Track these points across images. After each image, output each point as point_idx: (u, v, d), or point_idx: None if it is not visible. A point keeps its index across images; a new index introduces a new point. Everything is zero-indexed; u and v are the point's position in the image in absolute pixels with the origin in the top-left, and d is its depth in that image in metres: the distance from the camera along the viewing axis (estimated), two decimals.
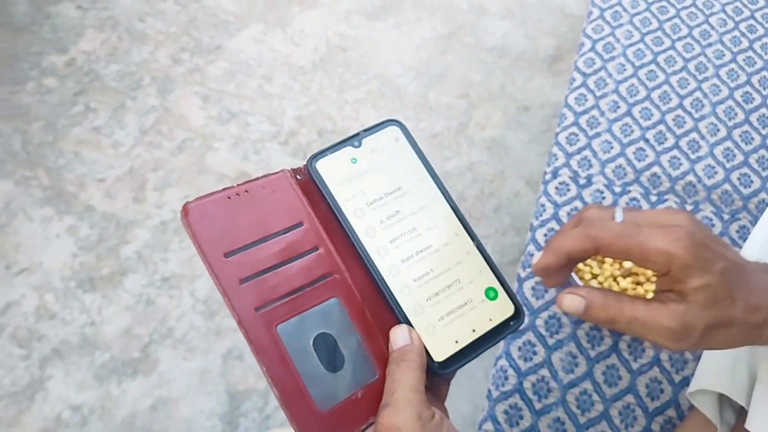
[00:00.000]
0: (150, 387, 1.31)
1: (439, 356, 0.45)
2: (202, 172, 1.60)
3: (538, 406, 0.71)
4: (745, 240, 0.83)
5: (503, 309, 0.48)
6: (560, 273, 0.46)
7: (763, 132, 0.94)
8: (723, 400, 0.65)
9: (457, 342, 0.46)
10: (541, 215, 0.85)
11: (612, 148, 0.92)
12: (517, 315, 0.48)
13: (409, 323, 0.45)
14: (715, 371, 0.64)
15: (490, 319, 0.47)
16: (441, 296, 0.47)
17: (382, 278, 0.46)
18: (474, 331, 0.46)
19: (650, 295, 0.76)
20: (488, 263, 0.49)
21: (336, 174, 0.49)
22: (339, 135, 1.68)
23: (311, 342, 0.43)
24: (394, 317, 0.46)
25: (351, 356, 0.44)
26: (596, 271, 0.78)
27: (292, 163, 1.62)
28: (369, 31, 1.91)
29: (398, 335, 0.44)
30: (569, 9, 1.98)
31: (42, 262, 1.45)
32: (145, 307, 1.40)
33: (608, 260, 0.79)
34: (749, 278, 0.44)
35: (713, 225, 0.85)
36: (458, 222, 0.49)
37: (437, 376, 0.45)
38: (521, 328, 0.48)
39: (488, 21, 1.95)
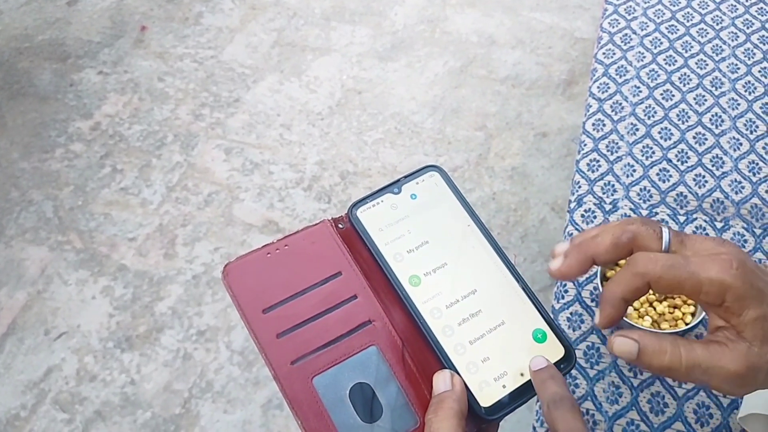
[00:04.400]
0: None
1: (486, 401, 0.44)
2: (230, 224, 1.63)
3: None
4: None
5: (553, 351, 0.46)
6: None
7: None
8: None
9: (504, 387, 0.45)
10: None
11: (635, 171, 0.92)
12: (568, 357, 0.46)
13: (453, 367, 0.45)
14: (765, 394, 0.63)
15: None
16: (486, 339, 0.46)
17: (425, 322, 0.46)
18: (522, 375, 0.46)
19: (689, 319, 0.76)
20: (535, 305, 0.48)
21: (377, 220, 0.49)
22: (360, 176, 1.70)
23: (347, 392, 0.43)
24: (438, 362, 0.45)
25: (389, 405, 0.43)
26: None
27: (317, 207, 1.64)
28: (382, 72, 1.94)
29: (440, 381, 0.43)
30: (579, 33, 2.00)
31: (80, 324, 1.47)
32: (183, 362, 1.42)
33: None
34: None
35: (746, 241, 0.84)
36: (503, 264, 0.49)
37: (485, 423, 0.45)
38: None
39: (499, 51, 1.97)
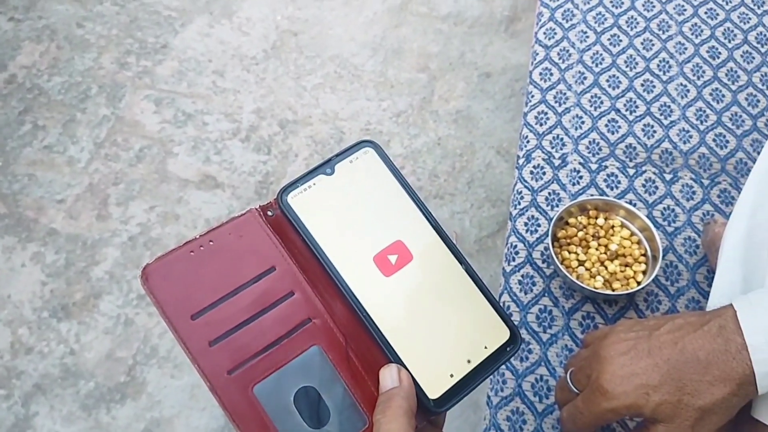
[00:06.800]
0: (140, 410, 1.28)
1: (434, 393, 0.42)
2: (165, 180, 1.55)
3: (540, 407, 0.69)
4: (727, 204, 0.81)
5: (498, 334, 0.45)
6: None
7: (733, 88, 0.92)
8: None
9: (452, 375, 0.43)
10: (519, 203, 0.83)
11: (583, 123, 0.90)
12: (514, 339, 0.45)
13: (398, 360, 0.42)
14: None
15: (485, 347, 0.44)
16: (432, 327, 0.44)
17: (368, 315, 0.43)
18: (469, 361, 0.44)
19: (640, 277, 0.75)
20: (479, 286, 0.46)
21: (310, 205, 0.45)
22: (301, 125, 1.63)
23: (292, 399, 0.40)
24: (384, 356, 0.43)
25: (337, 407, 0.41)
26: (582, 257, 0.76)
27: (256, 159, 1.58)
28: (318, 11, 1.85)
29: (386, 377, 0.41)
30: None
31: (10, 294, 1.40)
32: (125, 329, 1.36)
33: (593, 244, 0.77)
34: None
35: (694, 192, 0.83)
36: (444, 245, 0.46)
37: (434, 415, 0.43)
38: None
39: None
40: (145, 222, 1.49)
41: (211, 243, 0.43)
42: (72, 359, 1.33)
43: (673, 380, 0.49)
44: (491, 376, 0.71)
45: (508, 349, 0.45)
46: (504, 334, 0.45)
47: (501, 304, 0.77)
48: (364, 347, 0.43)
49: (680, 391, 0.48)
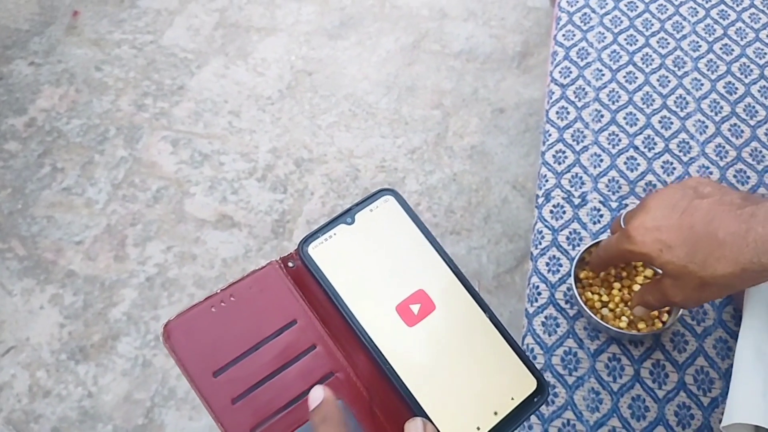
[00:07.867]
0: None
1: None
2: (182, 221, 1.56)
3: None
4: None
5: (524, 385, 0.44)
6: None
7: (752, 123, 0.92)
8: (759, 428, 0.63)
9: (479, 429, 0.42)
10: (539, 243, 0.82)
11: (602, 161, 0.89)
12: (541, 390, 0.44)
13: (423, 414, 0.42)
14: (747, 402, 0.62)
15: (512, 398, 0.43)
16: (457, 379, 0.43)
17: (391, 367, 0.43)
18: (496, 413, 0.43)
19: (665, 317, 0.74)
20: (503, 335, 0.45)
21: (331, 256, 0.45)
22: (316, 163, 1.64)
23: None
24: (408, 409, 0.42)
25: None
26: (605, 298, 0.75)
27: (272, 198, 1.59)
28: (332, 51, 1.87)
29: (412, 431, 0.41)
30: (531, 2, 1.95)
31: (28, 337, 1.40)
32: (143, 370, 1.36)
33: (616, 285, 0.76)
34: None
35: None
36: (466, 293, 0.46)
37: None
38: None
39: (451, 25, 1.92)
40: (162, 262, 1.49)
41: (232, 299, 0.43)
42: (90, 402, 1.32)
43: (687, 246, 0.53)
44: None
45: (535, 399, 0.43)
46: (531, 384, 0.44)
47: (525, 347, 0.76)
48: (388, 400, 0.42)
49: (688, 258, 0.53)
